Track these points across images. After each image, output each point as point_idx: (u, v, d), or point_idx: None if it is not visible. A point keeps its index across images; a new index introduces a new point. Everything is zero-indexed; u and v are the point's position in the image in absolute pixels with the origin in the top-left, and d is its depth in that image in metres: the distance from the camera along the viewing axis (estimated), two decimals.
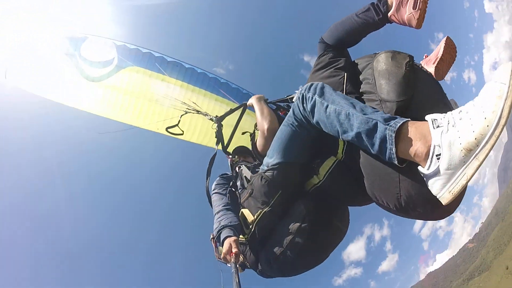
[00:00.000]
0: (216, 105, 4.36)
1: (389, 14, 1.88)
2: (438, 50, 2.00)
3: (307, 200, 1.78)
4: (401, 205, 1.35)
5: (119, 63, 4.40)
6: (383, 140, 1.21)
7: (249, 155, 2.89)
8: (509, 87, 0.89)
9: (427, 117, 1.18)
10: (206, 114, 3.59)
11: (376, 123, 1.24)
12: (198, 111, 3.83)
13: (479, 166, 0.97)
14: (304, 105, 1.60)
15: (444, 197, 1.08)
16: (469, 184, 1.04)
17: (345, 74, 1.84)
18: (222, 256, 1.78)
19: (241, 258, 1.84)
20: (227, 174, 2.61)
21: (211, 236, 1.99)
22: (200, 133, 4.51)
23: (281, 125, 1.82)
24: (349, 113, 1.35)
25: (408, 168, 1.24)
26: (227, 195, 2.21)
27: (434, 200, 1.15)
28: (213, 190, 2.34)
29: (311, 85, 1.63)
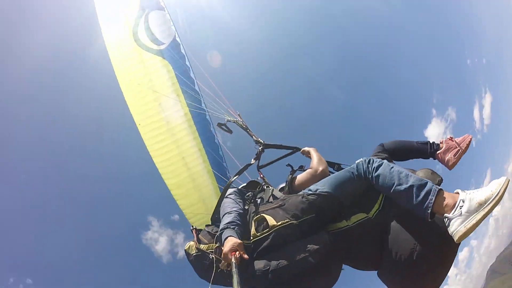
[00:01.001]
0: (199, 161, 4.23)
1: (437, 152, 2.59)
2: (461, 141, 2.57)
3: (330, 235, 2.03)
4: (412, 258, 1.84)
5: (164, 50, 4.35)
6: (428, 192, 1.75)
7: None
8: (504, 181, 1.65)
9: (456, 190, 1.81)
10: (252, 135, 3.67)
11: (427, 182, 1.82)
12: (246, 129, 3.79)
13: (485, 214, 1.59)
14: (369, 164, 2.06)
15: (459, 231, 1.61)
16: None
17: None
18: (223, 254, 1.89)
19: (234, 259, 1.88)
20: (243, 190, 2.79)
21: (192, 227, 2.29)
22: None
23: (342, 170, 2.24)
24: (408, 174, 1.90)
25: (429, 230, 1.83)
26: (242, 202, 2.43)
27: (439, 259, 1.85)
28: (230, 194, 2.51)
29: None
